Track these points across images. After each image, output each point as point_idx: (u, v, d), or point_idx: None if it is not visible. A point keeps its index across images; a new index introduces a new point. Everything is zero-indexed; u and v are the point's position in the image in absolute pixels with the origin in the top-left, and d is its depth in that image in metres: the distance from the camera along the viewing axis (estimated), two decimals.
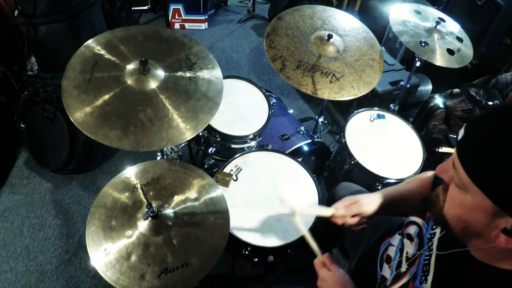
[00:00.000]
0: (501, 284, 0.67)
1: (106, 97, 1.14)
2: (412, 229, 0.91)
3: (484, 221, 0.62)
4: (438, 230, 0.82)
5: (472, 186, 0.61)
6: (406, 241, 0.90)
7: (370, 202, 1.09)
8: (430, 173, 1.08)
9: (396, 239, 0.95)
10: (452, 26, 1.87)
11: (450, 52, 1.72)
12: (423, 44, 1.71)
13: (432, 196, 0.76)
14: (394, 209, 1.11)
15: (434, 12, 1.90)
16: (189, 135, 1.12)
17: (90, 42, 1.25)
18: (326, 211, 1.12)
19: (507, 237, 0.60)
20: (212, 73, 1.28)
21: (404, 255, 0.87)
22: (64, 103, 1.11)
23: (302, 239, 1.27)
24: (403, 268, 0.84)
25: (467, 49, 1.78)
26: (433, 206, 0.75)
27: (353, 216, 1.09)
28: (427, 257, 0.79)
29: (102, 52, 1.24)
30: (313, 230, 1.29)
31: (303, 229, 1.04)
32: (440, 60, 1.68)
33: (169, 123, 1.12)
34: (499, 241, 0.62)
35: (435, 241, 0.80)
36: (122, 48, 1.26)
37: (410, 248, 0.87)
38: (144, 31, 1.34)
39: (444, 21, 1.78)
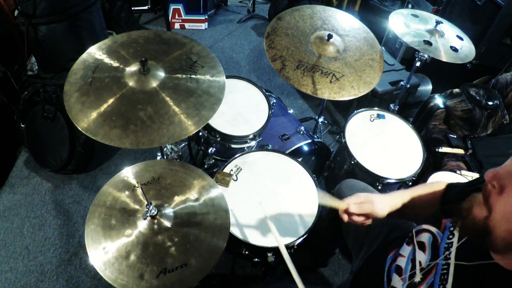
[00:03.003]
0: None
1: (108, 99, 1.14)
2: (424, 237, 0.88)
3: None
4: (455, 240, 0.80)
5: None
6: (418, 251, 0.88)
7: (383, 205, 1.06)
8: (442, 184, 1.04)
9: (405, 250, 0.93)
10: (450, 26, 1.88)
11: (454, 49, 1.73)
12: (426, 43, 1.72)
13: (462, 207, 0.73)
14: (403, 214, 1.10)
15: (431, 15, 1.91)
16: (191, 130, 1.12)
17: (91, 48, 1.25)
18: (338, 204, 1.10)
19: None
20: (213, 71, 1.28)
21: (418, 265, 0.85)
22: (66, 107, 1.11)
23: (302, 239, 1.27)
24: (417, 278, 0.82)
25: (468, 46, 1.79)
26: (464, 217, 0.72)
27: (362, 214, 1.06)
28: (445, 266, 0.77)
29: (103, 57, 1.25)
30: (310, 235, 1.29)
31: (288, 261, 0.96)
32: (445, 57, 1.69)
33: (170, 120, 1.12)
34: None
35: (453, 250, 0.78)
36: (122, 53, 1.27)
37: (423, 258, 0.85)
38: (144, 35, 1.35)
39: (442, 22, 1.80)
